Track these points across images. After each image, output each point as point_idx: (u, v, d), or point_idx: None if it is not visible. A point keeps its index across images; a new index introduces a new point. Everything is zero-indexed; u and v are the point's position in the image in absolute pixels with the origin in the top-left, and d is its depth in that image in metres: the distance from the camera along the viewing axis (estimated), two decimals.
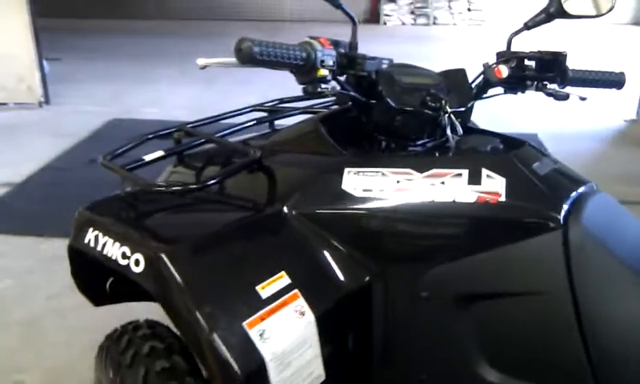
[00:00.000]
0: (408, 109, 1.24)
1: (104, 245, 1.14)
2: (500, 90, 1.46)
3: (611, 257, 1.06)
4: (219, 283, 1.04)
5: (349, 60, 1.17)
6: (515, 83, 1.40)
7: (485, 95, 1.40)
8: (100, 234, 1.16)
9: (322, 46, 1.09)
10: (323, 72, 1.08)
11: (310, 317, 1.07)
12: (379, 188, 1.15)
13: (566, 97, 1.37)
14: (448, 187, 1.13)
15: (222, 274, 1.05)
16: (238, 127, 1.56)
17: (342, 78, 1.21)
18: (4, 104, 5.49)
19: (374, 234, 1.16)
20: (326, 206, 1.16)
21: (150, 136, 1.47)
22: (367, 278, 1.14)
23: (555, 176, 1.17)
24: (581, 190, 1.16)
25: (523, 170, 1.13)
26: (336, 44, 1.17)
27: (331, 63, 1.10)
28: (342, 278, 1.13)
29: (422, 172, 1.15)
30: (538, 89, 1.41)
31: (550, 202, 1.10)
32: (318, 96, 1.13)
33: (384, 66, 1.23)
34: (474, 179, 1.13)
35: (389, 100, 1.22)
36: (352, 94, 1.23)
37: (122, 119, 5.21)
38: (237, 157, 1.33)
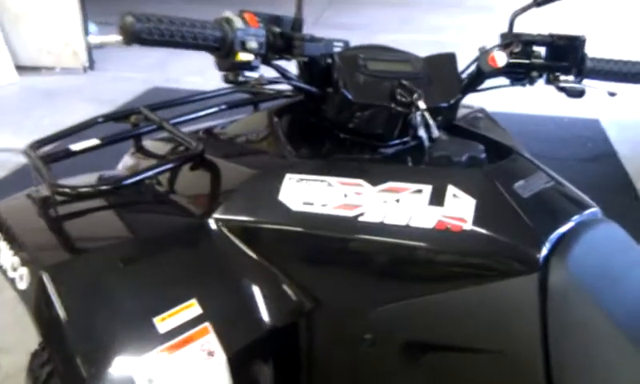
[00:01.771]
0: (369, 103, 1.01)
1: (0, 250, 0.99)
2: (504, 80, 1.20)
3: (602, 313, 0.80)
4: (109, 313, 0.86)
5: (285, 41, 0.95)
6: (520, 73, 1.14)
7: (480, 87, 1.15)
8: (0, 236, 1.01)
9: (245, 24, 0.88)
10: (243, 56, 0.87)
11: (220, 358, 0.88)
12: (321, 202, 0.93)
13: (580, 93, 1.10)
14: (403, 206, 0.90)
15: (115, 300, 0.87)
16: (202, 113, 1.37)
17: (290, 63, 0.99)
18: (51, 68, 5.51)
19: (309, 259, 0.95)
20: (256, 218, 0.96)
21: (100, 120, 1.29)
22: (299, 313, 0.94)
23: (545, 199, 0.92)
24: (577, 218, 0.90)
25: (499, 190, 0.89)
26: (274, 20, 0.95)
27: (255, 45, 0.88)
28: (267, 310, 0.93)
29: (375, 185, 0.93)
30: (548, 81, 1.14)
31: (529, 235, 0.85)
32: (242, 86, 0.92)
33: (336, 50, 1.00)
34: (437, 198, 0.89)
35: (345, 91, 0.99)
36: (295, 83, 1.01)
37: (163, 88, 5.12)
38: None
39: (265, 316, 0.92)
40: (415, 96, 1.00)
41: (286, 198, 0.95)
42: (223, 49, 0.86)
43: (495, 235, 0.86)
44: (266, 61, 0.94)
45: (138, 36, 0.80)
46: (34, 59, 5.40)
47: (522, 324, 0.83)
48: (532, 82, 1.15)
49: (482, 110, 1.49)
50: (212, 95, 1.42)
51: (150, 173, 1.04)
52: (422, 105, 1.00)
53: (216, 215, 0.97)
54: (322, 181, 0.95)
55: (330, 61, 1.01)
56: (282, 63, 1.01)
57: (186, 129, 1.30)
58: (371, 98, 1.01)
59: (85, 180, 1.09)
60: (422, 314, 0.89)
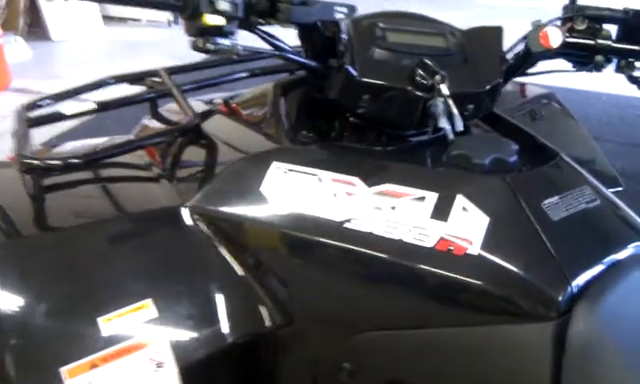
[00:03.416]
0: (378, 83, 0.83)
1: None
2: (566, 63, 0.98)
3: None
4: (47, 307, 0.75)
5: (270, 2, 0.79)
6: (581, 56, 0.92)
7: (530, 70, 0.94)
8: None
9: None
10: (211, 20, 0.72)
11: (171, 371, 0.75)
12: (307, 199, 0.78)
13: None
14: (399, 216, 0.73)
15: (55, 292, 0.76)
16: (229, 77, 1.23)
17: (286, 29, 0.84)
18: (137, 20, 5.59)
19: (285, 266, 0.81)
20: (232, 211, 0.82)
21: (112, 81, 1.19)
22: (268, 326, 0.79)
23: (581, 224, 0.71)
24: (620, 253, 0.69)
25: (522, 208, 0.69)
26: None
27: (227, 7, 0.73)
28: (232, 321, 0.79)
29: (370, 185, 0.76)
30: (618, 68, 0.92)
31: (551, 270, 0.66)
32: (214, 55, 0.77)
33: (338, 16, 0.83)
34: (441, 210, 0.71)
35: (349, 67, 0.82)
36: (287, 55, 0.85)
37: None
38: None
39: (229, 327, 0.79)
40: (437, 78, 0.81)
41: (268, 190, 0.81)
42: (186, 8, 0.72)
43: (507, 265, 0.67)
44: (248, 26, 0.79)
45: None
46: (121, 11, 5.48)
47: (527, 379, 0.65)
48: (598, 67, 0.93)
49: (550, 96, 1.27)
50: (248, 58, 1.28)
51: (129, 146, 0.92)
52: (444, 90, 0.81)
53: (192, 203, 0.84)
54: (312, 174, 0.80)
55: (336, 29, 0.84)
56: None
57: (209, 96, 1.18)
58: (382, 77, 0.83)
59: (66, 149, 0.99)
60: (411, 349, 0.73)
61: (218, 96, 1.18)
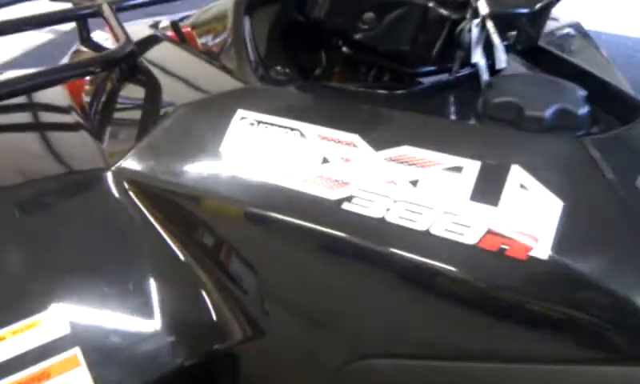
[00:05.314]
0: None
1: None
2: None
3: None
4: None
5: None
6: None
7: None
8: None
9: None
10: None
11: None
12: (285, 165, 0.54)
13: None
14: (422, 195, 0.49)
15: None
16: None
17: None
18: None
19: (255, 259, 0.56)
20: (179, 179, 0.57)
21: None
22: (229, 342, 0.56)
23: None
24: None
25: (611, 186, 0.46)
26: None
27: None
28: (178, 334, 0.55)
29: (378, 147, 0.52)
30: None
31: None
32: None
33: None
34: (488, 189, 0.48)
35: None
36: None
37: None
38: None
39: (173, 345, 0.55)
40: None
41: (230, 151, 0.56)
42: None
43: (593, 276, 0.44)
44: None
45: None
46: None
47: None
48: None
49: (577, 26, 1.04)
50: None
51: (34, 82, 0.65)
52: (482, 7, 0.57)
53: (120, 165, 0.59)
54: (291, 128, 0.55)
55: None
56: None
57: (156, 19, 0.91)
58: None
59: None
60: None
61: (165, 18, 0.91)
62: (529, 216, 0.46)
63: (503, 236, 0.46)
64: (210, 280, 0.56)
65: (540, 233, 0.45)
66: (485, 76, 0.59)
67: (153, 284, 0.56)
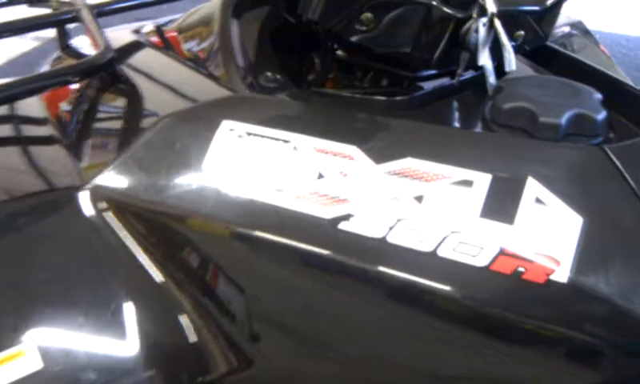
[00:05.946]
0: None
1: None
2: None
3: None
4: None
5: None
6: None
7: None
8: None
9: None
10: None
11: None
12: (276, 181, 0.49)
13: None
14: (429, 212, 0.44)
15: None
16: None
17: None
18: None
19: (242, 284, 0.51)
20: (159, 196, 0.52)
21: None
22: (214, 373, 0.51)
23: None
24: None
25: (638, 198, 0.42)
26: None
27: None
28: (158, 365, 0.50)
29: (379, 160, 0.47)
30: None
31: None
32: None
33: None
34: (500, 204, 0.43)
35: None
36: None
37: None
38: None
39: (152, 378, 0.50)
40: None
41: (217, 165, 0.51)
42: None
43: (617, 301, 0.40)
44: None
45: None
46: None
47: None
48: None
49: (579, 24, 1.00)
50: None
51: (6, 93, 0.61)
52: (490, 5, 0.52)
53: (96, 183, 0.54)
54: (283, 140, 0.51)
55: None
56: None
57: (139, 24, 0.87)
58: None
59: None
60: None
61: (148, 23, 0.87)
62: (547, 234, 0.41)
63: (519, 257, 0.41)
64: (193, 308, 0.51)
65: (560, 253, 0.41)
66: (492, 79, 0.55)
67: (131, 313, 0.51)
